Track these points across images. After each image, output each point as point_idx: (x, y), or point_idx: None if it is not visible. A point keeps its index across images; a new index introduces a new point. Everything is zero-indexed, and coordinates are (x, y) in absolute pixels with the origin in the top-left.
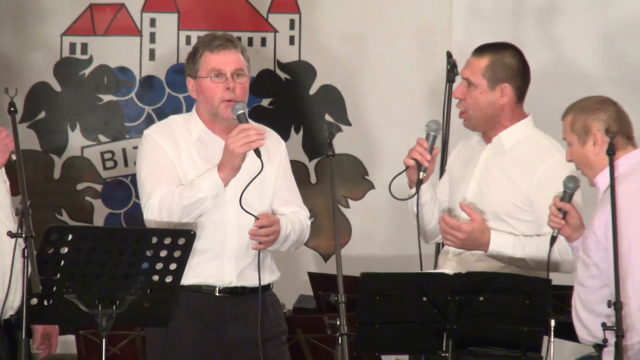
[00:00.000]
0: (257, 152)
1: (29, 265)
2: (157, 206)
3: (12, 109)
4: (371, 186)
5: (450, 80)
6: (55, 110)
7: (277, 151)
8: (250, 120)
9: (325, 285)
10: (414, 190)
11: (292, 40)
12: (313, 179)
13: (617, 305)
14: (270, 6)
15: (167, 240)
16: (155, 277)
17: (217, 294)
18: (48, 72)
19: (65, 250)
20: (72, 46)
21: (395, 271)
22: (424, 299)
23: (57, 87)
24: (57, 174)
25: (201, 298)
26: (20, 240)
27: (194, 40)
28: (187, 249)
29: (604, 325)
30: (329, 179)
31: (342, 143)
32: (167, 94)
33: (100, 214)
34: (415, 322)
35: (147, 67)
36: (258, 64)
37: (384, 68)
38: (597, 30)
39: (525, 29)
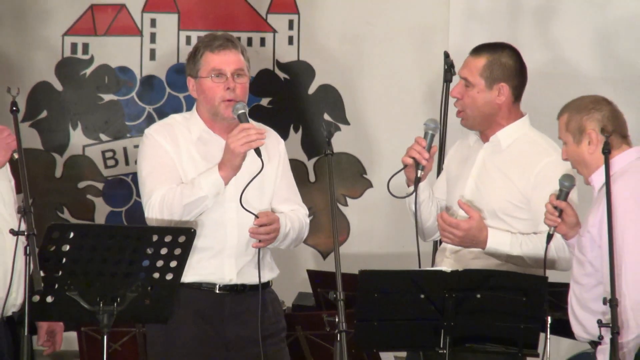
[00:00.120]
0: (258, 152)
1: (31, 263)
2: (158, 204)
3: (14, 108)
4: (369, 185)
5: (447, 80)
6: (56, 110)
7: (277, 150)
8: (250, 120)
9: (324, 283)
10: (411, 188)
11: (291, 41)
12: (312, 178)
13: (612, 302)
14: (269, 6)
15: (168, 238)
16: (156, 275)
17: (217, 292)
18: (49, 71)
19: (66, 247)
20: (74, 46)
21: (393, 269)
22: (422, 296)
23: (58, 86)
24: (58, 172)
25: (201, 295)
26: (23, 238)
27: (194, 41)
28: (187, 247)
29: (599, 322)
30: (328, 177)
31: (340, 142)
32: (167, 93)
33: (102, 212)
34: (413, 319)
35: (148, 66)
36: (257, 63)
37: (382, 68)
38: (593, 31)
39: (522, 29)
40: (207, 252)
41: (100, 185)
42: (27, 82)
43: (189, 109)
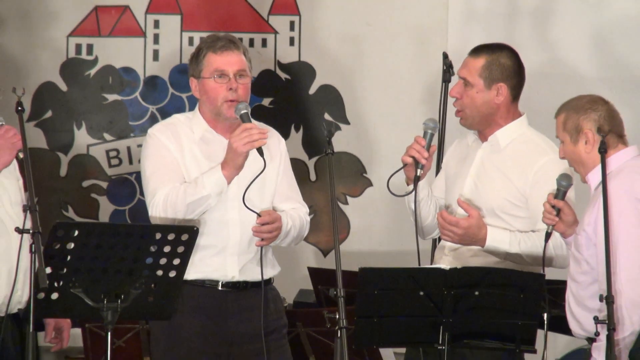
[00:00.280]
0: (260, 151)
1: (37, 260)
2: (162, 203)
3: (19, 108)
4: (369, 183)
5: (446, 80)
6: (61, 110)
7: (278, 149)
8: (252, 120)
9: (324, 280)
10: (411, 187)
11: (292, 41)
12: (313, 177)
13: (608, 299)
14: (270, 8)
15: (171, 236)
16: (159, 272)
17: (220, 289)
18: (54, 72)
19: (71, 245)
20: (78, 47)
21: (393, 266)
22: (421, 293)
23: (63, 86)
24: (63, 171)
25: (204, 292)
26: (28, 236)
27: (196, 41)
28: (190, 245)
29: (595, 318)
30: (328, 176)
31: (341, 141)
32: (170, 93)
33: (106, 210)
34: (413, 315)
35: (151, 67)
36: (259, 64)
37: (382, 68)
38: (590, 31)
39: (519, 30)
40: (209, 249)
41: (104, 184)
42: (32, 83)
43: (191, 109)
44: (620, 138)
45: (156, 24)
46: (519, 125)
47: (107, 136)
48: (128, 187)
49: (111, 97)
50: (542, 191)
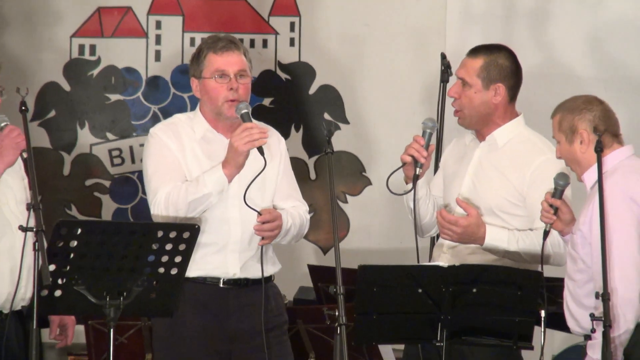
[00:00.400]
0: (260, 150)
1: (40, 258)
2: (164, 202)
3: (23, 107)
4: (368, 182)
5: (444, 80)
6: (64, 109)
7: (278, 148)
8: (252, 119)
9: (324, 277)
10: (410, 185)
11: (292, 42)
12: (313, 175)
13: (604, 296)
14: (271, 9)
15: (173, 234)
16: (161, 270)
17: (221, 286)
18: (58, 72)
19: (74, 243)
20: (81, 47)
21: (392, 264)
22: (420, 290)
23: (66, 86)
24: (66, 170)
25: (206, 289)
26: (32, 234)
27: (198, 42)
28: (191, 243)
29: (592, 316)
30: (328, 175)
31: (340, 141)
32: (172, 93)
33: (108, 208)
34: (411, 312)
35: (153, 67)
36: (259, 64)
37: (381, 69)
38: (586, 33)
39: (516, 31)
40: (211, 247)
41: (107, 183)
42: (36, 83)
43: (193, 108)
44: (616, 137)
45: (158, 24)
46: (516, 125)
47: (109, 135)
48: (130, 186)
49: (114, 97)
50: (539, 190)
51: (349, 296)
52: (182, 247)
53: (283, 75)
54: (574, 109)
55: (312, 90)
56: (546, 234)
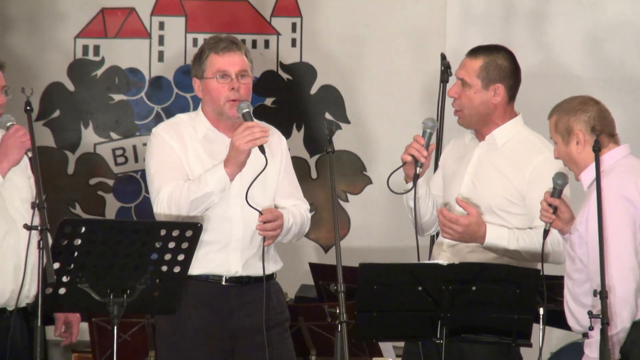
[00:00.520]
0: (262, 149)
1: (44, 256)
2: (167, 200)
3: (28, 107)
4: (369, 181)
5: (444, 80)
6: (69, 109)
7: (279, 148)
8: (254, 119)
9: (325, 275)
10: (410, 185)
11: (294, 43)
12: (314, 174)
13: (602, 294)
14: (273, 10)
15: (175, 233)
16: (164, 268)
17: (224, 284)
18: (62, 72)
19: (78, 242)
20: (85, 48)
21: (392, 262)
22: (420, 288)
23: (70, 87)
24: (70, 169)
25: (208, 287)
26: (36, 232)
27: (200, 43)
28: (194, 241)
29: (590, 313)
30: (329, 174)
31: (341, 140)
32: (175, 93)
33: (112, 207)
34: (411, 310)
35: (156, 68)
36: (261, 65)
37: (381, 69)
38: (584, 33)
39: (515, 31)
40: (213, 245)
41: (110, 182)
42: (40, 83)
43: (195, 108)
44: (612, 137)
45: (161, 25)
46: (515, 125)
47: (113, 135)
48: (134, 185)
49: (117, 97)
50: (538, 189)
51: (349, 294)
52: (184, 245)
53: (285, 76)
54: (569, 110)
55: (314, 90)
56: (546, 233)
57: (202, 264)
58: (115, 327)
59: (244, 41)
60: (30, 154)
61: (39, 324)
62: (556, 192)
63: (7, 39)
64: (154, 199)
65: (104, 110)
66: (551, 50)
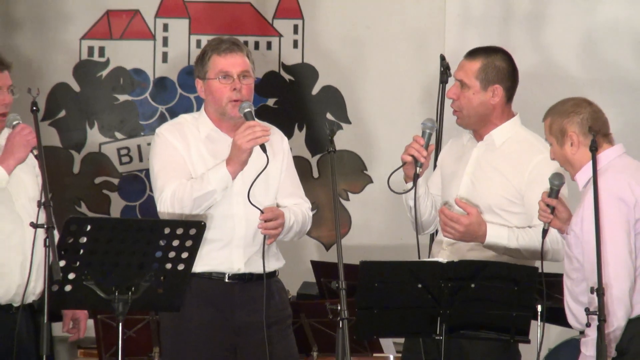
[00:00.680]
0: (263, 148)
1: (51, 254)
2: (170, 199)
3: (34, 108)
4: (370, 180)
5: (443, 81)
6: (74, 109)
7: (281, 147)
8: (255, 119)
9: (327, 273)
10: (409, 184)
11: (295, 44)
12: (315, 174)
13: (599, 291)
14: (275, 12)
15: (179, 231)
16: (168, 265)
17: (227, 281)
18: (68, 73)
19: (84, 240)
20: (90, 49)
21: (392, 259)
22: (419, 285)
23: (76, 87)
24: (76, 168)
25: (211, 284)
26: (43, 230)
27: (204, 44)
28: (198, 239)
29: (587, 310)
30: (330, 173)
31: (342, 140)
32: (179, 94)
33: (117, 206)
34: (411, 307)
35: (160, 69)
36: (264, 66)
37: (382, 70)
38: (580, 35)
39: (513, 33)
40: (216, 243)
41: (115, 181)
42: (46, 83)
43: (199, 108)
44: (606, 137)
45: (165, 27)
46: (513, 125)
47: (118, 135)
48: (138, 184)
49: (122, 98)
50: (537, 188)
51: (350, 291)
52: (188, 243)
53: (287, 76)
54: (562, 112)
55: (315, 90)
56: (545, 232)
57: (206, 261)
58: (120, 324)
59: (246, 43)
60: (35, 152)
61: (45, 321)
62: (553, 192)
63: (13, 40)
64: (158, 197)
65: (109, 111)
66: (548, 52)
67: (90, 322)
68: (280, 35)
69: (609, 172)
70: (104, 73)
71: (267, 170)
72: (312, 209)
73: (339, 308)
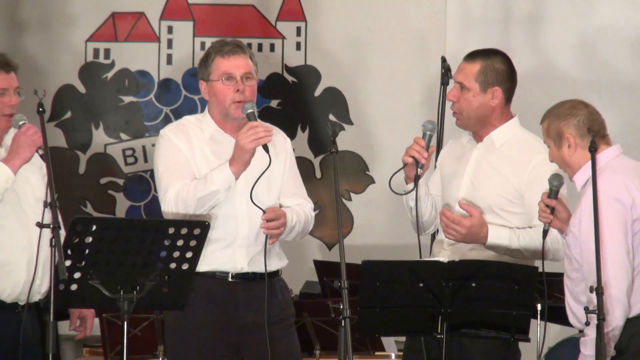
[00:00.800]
0: (265, 148)
1: (56, 254)
2: (174, 199)
3: (40, 109)
4: (371, 181)
5: (444, 83)
6: (80, 111)
7: (283, 148)
8: (258, 119)
9: (329, 272)
10: (410, 185)
11: (298, 46)
12: (318, 174)
13: (598, 290)
14: (278, 14)
15: (184, 231)
16: (173, 265)
17: (230, 280)
18: (74, 75)
19: (89, 239)
20: (96, 51)
21: (394, 259)
22: (421, 284)
23: (82, 89)
24: (82, 169)
25: (215, 283)
26: (49, 230)
27: (208, 46)
28: (202, 239)
29: (586, 309)
30: (333, 174)
31: (344, 141)
32: (183, 95)
33: (122, 206)
34: (413, 306)
35: (165, 70)
36: (267, 68)
37: (384, 71)
38: (578, 37)
39: (513, 35)
40: (220, 243)
41: (120, 181)
42: (52, 85)
43: (203, 110)
44: (603, 138)
45: (170, 29)
46: (512, 126)
47: (123, 136)
48: (143, 184)
49: (127, 99)
50: (537, 189)
51: (353, 290)
52: (192, 243)
53: (290, 78)
54: (559, 115)
55: (318, 92)
56: (545, 233)
57: (209, 260)
58: (125, 323)
59: (250, 45)
60: (40, 152)
61: (51, 319)
62: (552, 193)
63: (20, 42)
64: (162, 197)
65: (114, 112)
66: (547, 53)
67: (96, 320)
68: (283, 38)
69: (605, 173)
70: (109, 75)
71: (270, 170)
72: (315, 209)
73: (341, 307)
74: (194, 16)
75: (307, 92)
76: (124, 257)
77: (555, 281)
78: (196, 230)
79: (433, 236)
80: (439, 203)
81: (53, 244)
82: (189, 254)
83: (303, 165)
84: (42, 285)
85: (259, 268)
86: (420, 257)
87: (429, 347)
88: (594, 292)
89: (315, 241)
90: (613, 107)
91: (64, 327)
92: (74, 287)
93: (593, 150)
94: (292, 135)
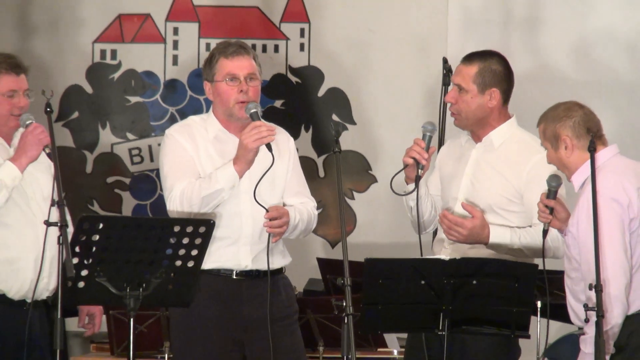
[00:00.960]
0: (269, 147)
1: (64, 251)
2: (179, 197)
3: (48, 109)
4: (374, 180)
5: (446, 84)
6: (87, 111)
7: (287, 147)
8: (261, 119)
9: (332, 270)
10: (411, 186)
11: (302, 47)
12: (321, 173)
13: (597, 287)
14: (282, 16)
15: (189, 229)
16: (178, 262)
17: (234, 277)
18: (81, 75)
19: (96, 237)
20: (103, 52)
21: (396, 257)
22: (422, 282)
23: (89, 89)
24: (89, 168)
25: (220, 281)
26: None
27: (213, 47)
28: (207, 237)
29: (585, 306)
30: (336, 173)
31: (347, 140)
32: (188, 96)
33: (129, 204)
34: (415, 303)
35: (171, 71)
36: (271, 68)
37: (386, 72)
38: (575, 39)
39: (513, 37)
40: (224, 240)
41: (127, 180)
42: (60, 85)
43: (208, 110)
44: (599, 138)
45: (175, 31)
46: (510, 126)
47: (129, 135)
48: (149, 183)
49: (133, 99)
50: (536, 188)
51: (355, 287)
52: (198, 241)
53: (293, 79)
54: (554, 117)
55: (321, 92)
56: (545, 232)
57: (214, 258)
58: (132, 319)
59: (254, 46)
60: (47, 150)
61: (59, 316)
62: (551, 193)
63: (29, 43)
64: (167, 196)
65: (121, 112)
66: (546, 54)
67: (103, 317)
68: (287, 39)
69: (602, 173)
70: (116, 75)
71: (274, 169)
72: (318, 208)
73: (344, 304)
74: (200, 18)
75: (311, 93)
76: (130, 255)
77: (555, 279)
78: (201, 228)
79: (434, 234)
80: (438, 203)
81: (60, 241)
82: (194, 252)
83: (306, 164)
84: (50, 283)
85: (263, 266)
86: (422, 255)
87: (430, 343)
88: (593, 290)
89: (318, 239)
90: (611, 108)
91: (72, 323)
92: (81, 284)
93: (592, 150)
94: (295, 135)
